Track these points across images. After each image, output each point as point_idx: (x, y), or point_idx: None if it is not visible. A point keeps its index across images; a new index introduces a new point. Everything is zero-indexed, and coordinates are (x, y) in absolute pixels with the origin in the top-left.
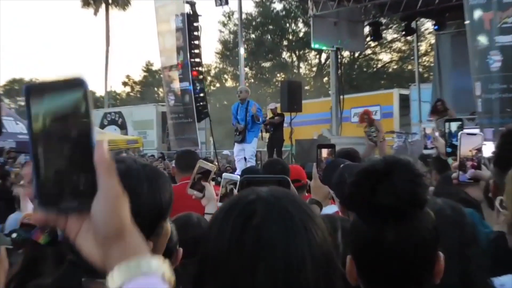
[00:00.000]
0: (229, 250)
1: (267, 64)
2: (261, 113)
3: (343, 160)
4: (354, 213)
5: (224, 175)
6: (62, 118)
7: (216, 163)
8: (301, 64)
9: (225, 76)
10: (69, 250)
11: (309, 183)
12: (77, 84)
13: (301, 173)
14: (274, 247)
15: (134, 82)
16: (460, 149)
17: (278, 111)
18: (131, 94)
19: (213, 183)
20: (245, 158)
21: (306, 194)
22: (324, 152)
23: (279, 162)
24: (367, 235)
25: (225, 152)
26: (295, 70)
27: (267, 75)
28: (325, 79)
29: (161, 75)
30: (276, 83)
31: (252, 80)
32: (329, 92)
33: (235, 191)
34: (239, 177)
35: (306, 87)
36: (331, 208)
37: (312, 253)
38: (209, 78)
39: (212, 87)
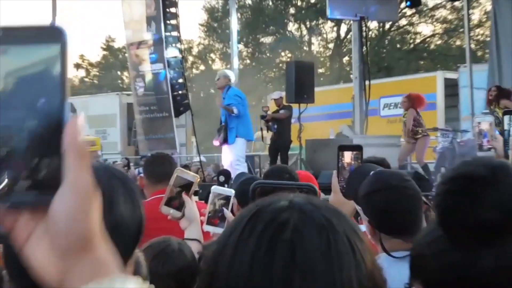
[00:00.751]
0: (252, 276)
1: (267, 40)
2: (237, 102)
3: (372, 166)
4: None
5: (214, 188)
6: (27, 80)
7: (201, 172)
8: (313, 40)
9: (212, 55)
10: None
11: (324, 196)
12: (53, 35)
13: (313, 183)
14: (313, 271)
15: (90, 64)
16: None
17: (284, 102)
18: (86, 80)
19: (196, 198)
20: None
21: None
22: (347, 156)
23: (285, 170)
24: (456, 261)
25: (213, 157)
26: (305, 47)
27: (268, 54)
28: (345, 59)
29: (126, 55)
30: (280, 65)
31: (248, 61)
32: (351, 76)
33: (227, 211)
34: (232, 191)
35: (320, 70)
36: None
37: (360, 281)
38: (190, 59)
39: (194, 71)
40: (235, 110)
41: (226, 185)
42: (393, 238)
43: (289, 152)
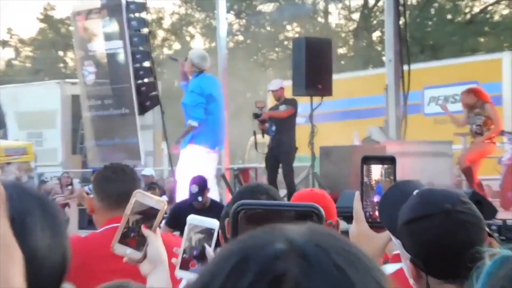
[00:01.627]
0: None
1: (267, 8)
2: (193, 100)
3: (414, 183)
4: None
5: (190, 219)
6: None
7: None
8: (331, 8)
9: (191, 29)
10: None
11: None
12: None
13: (328, 207)
14: None
15: (21, 41)
16: None
17: (286, 95)
18: (15, 62)
19: (160, 230)
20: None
21: None
22: (376, 171)
23: (261, 189)
24: None
25: None
26: (319, 19)
27: (269, 28)
28: (375, 34)
29: (71, 28)
30: (286, 43)
31: (241, 37)
32: (383, 58)
33: (209, 249)
34: (216, 223)
35: (341, 50)
36: (390, 268)
37: None
38: (160, 34)
39: (166, 50)
40: (193, 123)
41: (200, 197)
42: (446, 283)
43: (296, 164)
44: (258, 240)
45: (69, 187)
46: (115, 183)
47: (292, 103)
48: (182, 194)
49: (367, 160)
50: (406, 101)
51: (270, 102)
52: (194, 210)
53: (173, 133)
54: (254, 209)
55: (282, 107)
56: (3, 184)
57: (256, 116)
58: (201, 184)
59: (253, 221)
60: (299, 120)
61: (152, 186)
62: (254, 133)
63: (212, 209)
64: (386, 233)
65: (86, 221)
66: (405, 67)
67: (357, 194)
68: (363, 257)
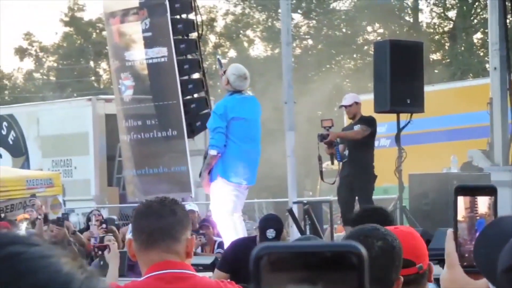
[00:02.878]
0: None
1: (343, 5)
2: (211, 120)
3: None
4: None
5: None
6: None
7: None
8: (422, 4)
9: (249, 33)
10: None
11: (437, 270)
12: None
13: (417, 247)
14: None
15: (43, 49)
16: None
17: (365, 112)
18: (37, 75)
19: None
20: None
21: None
22: (477, 204)
23: (379, 233)
24: None
25: (253, 203)
26: (407, 18)
27: (344, 30)
28: (476, 37)
29: (104, 33)
30: (366, 48)
31: (310, 41)
32: (487, 66)
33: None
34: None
35: (434, 56)
36: None
37: None
38: (212, 39)
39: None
40: (212, 152)
41: None
42: None
43: (379, 196)
44: None
45: (103, 226)
46: (149, 218)
47: (369, 122)
48: (226, 235)
49: (462, 190)
50: None
51: (347, 121)
52: None
53: None
54: (280, 255)
55: (357, 127)
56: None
57: (322, 138)
58: (279, 228)
59: (278, 268)
60: (383, 142)
61: (205, 225)
62: (320, 159)
63: None
64: (485, 281)
65: (126, 267)
66: None
67: (450, 232)
68: None
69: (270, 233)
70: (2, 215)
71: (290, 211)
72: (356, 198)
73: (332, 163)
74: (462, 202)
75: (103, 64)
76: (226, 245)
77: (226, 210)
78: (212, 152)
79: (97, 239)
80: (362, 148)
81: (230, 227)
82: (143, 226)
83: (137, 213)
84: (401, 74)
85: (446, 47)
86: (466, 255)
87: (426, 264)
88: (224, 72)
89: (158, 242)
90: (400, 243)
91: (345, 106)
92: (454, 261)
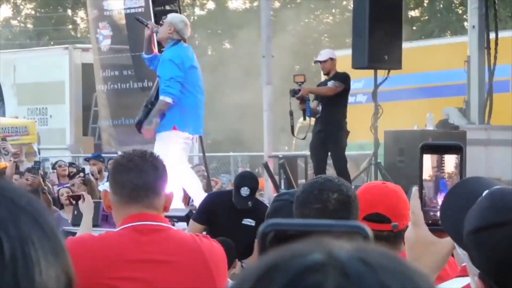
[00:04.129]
0: None
1: None
2: (167, 74)
3: (486, 180)
4: None
5: None
6: None
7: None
8: None
9: None
10: None
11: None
12: None
13: (396, 206)
14: None
15: None
16: None
17: (344, 68)
18: (14, 23)
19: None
20: None
21: (401, 251)
22: (430, 161)
23: (333, 184)
24: None
25: (227, 157)
26: None
27: None
28: None
29: None
30: (344, 3)
31: None
32: (465, 24)
33: None
34: None
35: (412, 13)
36: (456, 283)
37: None
38: None
39: (198, 11)
40: (167, 99)
41: (250, 203)
42: None
43: (355, 152)
44: (293, 250)
45: (81, 175)
46: (130, 172)
47: (343, 78)
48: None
49: (428, 148)
50: (492, 77)
51: (323, 77)
52: (233, 209)
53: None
54: (286, 230)
55: (330, 83)
56: None
57: (294, 93)
58: (254, 186)
59: (284, 244)
60: (360, 98)
61: None
62: (291, 114)
63: (255, 210)
64: (450, 239)
65: (100, 217)
66: (492, 35)
67: (415, 190)
68: (415, 274)
69: (244, 191)
70: None
71: (266, 165)
72: (329, 153)
73: (304, 119)
74: (429, 160)
75: (81, 13)
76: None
77: (176, 161)
78: (168, 99)
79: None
80: (335, 104)
81: (183, 177)
82: (125, 180)
83: (118, 166)
84: (379, 31)
85: (425, 4)
86: (431, 213)
87: (403, 225)
88: (157, 25)
89: (140, 197)
90: (354, 191)
91: (320, 62)
92: (419, 219)
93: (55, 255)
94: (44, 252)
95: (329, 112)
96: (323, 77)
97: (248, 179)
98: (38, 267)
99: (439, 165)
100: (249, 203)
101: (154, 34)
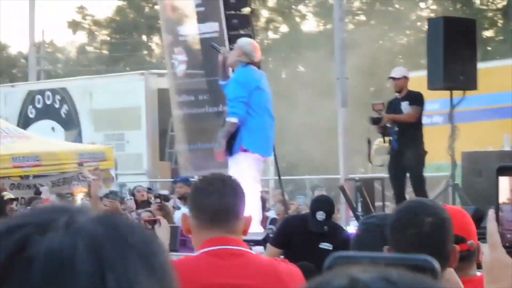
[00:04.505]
0: None
1: None
2: (234, 95)
3: None
4: None
5: None
6: None
7: (282, 205)
8: None
9: (302, 8)
10: None
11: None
12: None
13: (465, 225)
14: None
15: (96, 23)
16: None
17: (416, 88)
18: (90, 49)
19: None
20: None
21: (478, 274)
22: (508, 183)
23: (428, 208)
24: None
25: (302, 180)
26: None
27: (397, 6)
28: None
29: (156, 7)
30: (419, 24)
31: (363, 17)
32: None
33: None
34: None
35: (487, 33)
36: None
37: None
38: (265, 14)
39: (271, 34)
40: (233, 119)
41: (326, 227)
42: None
43: (432, 174)
44: (322, 278)
45: (157, 201)
46: (211, 196)
47: (419, 100)
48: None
49: (504, 170)
50: None
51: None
52: (310, 233)
53: (279, 135)
54: (352, 263)
55: (405, 105)
56: (95, 220)
57: (374, 121)
58: (329, 210)
59: None
60: (436, 119)
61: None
62: (369, 142)
63: (331, 231)
64: None
65: (178, 242)
66: None
67: (491, 212)
68: None
69: (320, 215)
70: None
71: (342, 188)
72: (408, 175)
73: (384, 141)
74: (506, 182)
75: (156, 39)
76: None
77: (252, 183)
78: (233, 119)
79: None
80: (412, 125)
81: (256, 201)
82: (206, 204)
83: (198, 190)
84: (454, 51)
85: (499, 25)
86: (509, 236)
87: (475, 242)
88: (229, 51)
89: (221, 221)
90: (448, 213)
91: (394, 78)
92: (496, 242)
93: (164, 275)
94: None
95: (406, 132)
96: (388, 93)
97: (324, 204)
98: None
99: None
100: (325, 227)
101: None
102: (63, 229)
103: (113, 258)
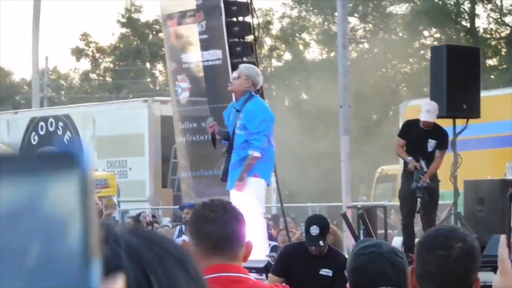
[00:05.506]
0: None
1: (399, 9)
2: (262, 129)
3: None
4: None
5: None
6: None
7: (286, 235)
8: (479, 9)
9: (305, 36)
10: None
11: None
12: (66, 161)
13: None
14: None
15: (99, 50)
16: None
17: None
18: (93, 76)
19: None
20: None
21: None
22: None
23: (458, 234)
24: None
25: (306, 207)
26: (464, 23)
27: (401, 34)
28: None
29: (160, 35)
30: (422, 52)
31: (366, 45)
32: None
33: None
34: None
35: (490, 61)
36: None
37: None
38: (268, 41)
39: (275, 62)
40: (256, 153)
41: (322, 242)
42: None
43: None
44: None
45: (155, 225)
46: (214, 224)
47: (445, 143)
48: (259, 236)
49: None
50: None
51: (401, 119)
52: (309, 256)
53: (283, 161)
54: None
55: (432, 144)
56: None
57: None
58: (323, 225)
59: None
60: None
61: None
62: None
63: (331, 257)
64: None
65: None
66: None
67: (503, 238)
68: None
69: (314, 229)
70: None
71: (344, 216)
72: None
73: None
74: None
75: (159, 66)
76: (258, 246)
77: (260, 211)
78: (256, 154)
79: None
80: (433, 159)
81: (263, 228)
82: (209, 232)
83: (200, 217)
84: (457, 79)
85: (503, 53)
86: None
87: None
88: (236, 78)
89: (224, 249)
90: (478, 243)
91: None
92: (507, 268)
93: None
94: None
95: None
96: (400, 123)
97: (317, 219)
98: None
99: None
100: (321, 242)
101: (215, 128)
102: (104, 240)
103: (153, 262)
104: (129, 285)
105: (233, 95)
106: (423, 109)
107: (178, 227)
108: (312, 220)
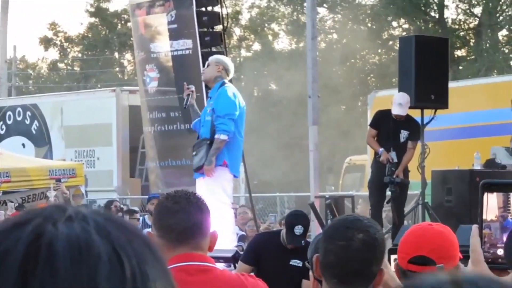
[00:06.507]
0: None
1: (367, 0)
2: (228, 112)
3: None
4: None
5: None
6: None
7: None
8: (447, 1)
9: (274, 26)
10: None
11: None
12: None
13: (442, 248)
14: None
15: (68, 39)
16: None
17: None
18: (61, 65)
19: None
20: None
21: None
22: (499, 201)
23: (362, 225)
24: None
25: (274, 197)
26: (433, 13)
27: (370, 24)
28: (501, 33)
29: (129, 24)
30: (390, 43)
31: (335, 35)
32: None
33: None
34: None
35: (458, 52)
36: None
37: None
38: (237, 32)
39: (244, 52)
40: (223, 136)
41: (303, 242)
42: None
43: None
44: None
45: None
46: (177, 215)
47: (417, 134)
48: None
49: (490, 187)
50: None
51: (370, 114)
52: (281, 249)
53: (251, 151)
54: None
55: (404, 135)
56: (95, 214)
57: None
58: (306, 224)
59: None
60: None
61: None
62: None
63: (301, 248)
64: (511, 277)
65: None
66: None
67: (475, 228)
68: None
69: (298, 229)
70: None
71: (312, 206)
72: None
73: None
74: (494, 199)
75: (128, 55)
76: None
77: (227, 200)
78: (224, 137)
79: None
80: (405, 149)
81: (231, 218)
82: (172, 223)
83: (163, 209)
84: (426, 70)
85: (471, 44)
86: (491, 251)
87: (452, 265)
88: (206, 66)
89: (188, 240)
90: (383, 234)
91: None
92: (479, 257)
93: (165, 277)
94: (157, 272)
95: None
96: (369, 117)
97: (302, 218)
98: (153, 285)
99: (506, 205)
100: (302, 241)
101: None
102: (71, 219)
103: (122, 241)
104: (102, 260)
105: (203, 85)
106: (395, 102)
107: (141, 218)
108: (296, 220)
